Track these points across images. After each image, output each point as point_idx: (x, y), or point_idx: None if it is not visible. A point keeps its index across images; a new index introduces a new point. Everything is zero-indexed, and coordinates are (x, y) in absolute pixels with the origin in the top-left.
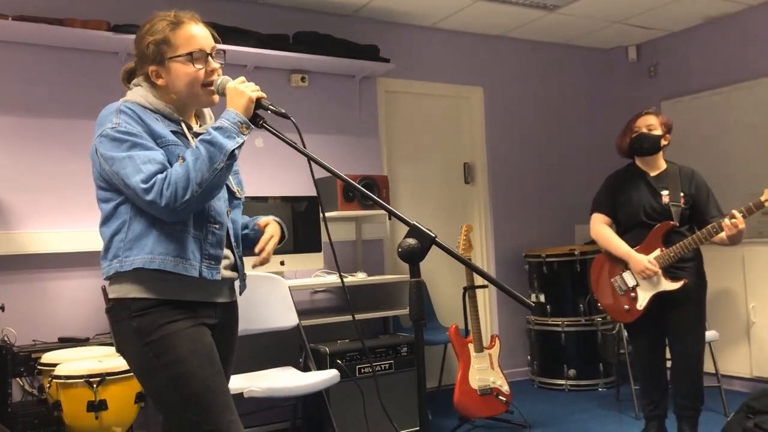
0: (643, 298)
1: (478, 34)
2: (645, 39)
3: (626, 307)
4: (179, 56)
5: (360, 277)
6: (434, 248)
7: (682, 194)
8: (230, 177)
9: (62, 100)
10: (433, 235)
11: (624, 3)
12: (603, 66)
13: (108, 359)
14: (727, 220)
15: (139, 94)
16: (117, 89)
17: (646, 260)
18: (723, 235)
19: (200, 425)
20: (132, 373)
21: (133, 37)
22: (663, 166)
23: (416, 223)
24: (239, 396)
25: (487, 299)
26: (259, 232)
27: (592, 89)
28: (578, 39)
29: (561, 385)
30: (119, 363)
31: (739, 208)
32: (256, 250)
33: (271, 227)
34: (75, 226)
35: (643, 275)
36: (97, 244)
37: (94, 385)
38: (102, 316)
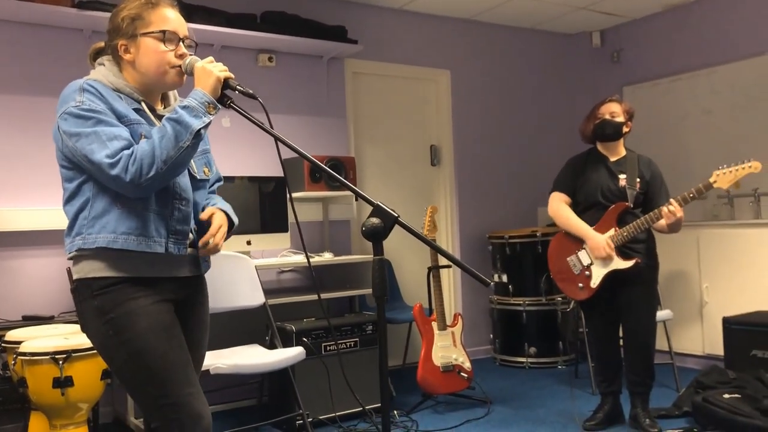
0: (597, 276)
1: (446, 17)
2: (608, 25)
3: (581, 284)
4: (151, 33)
5: (326, 257)
6: (401, 230)
7: (638, 179)
8: (194, 159)
9: (25, 77)
10: (396, 215)
11: None
12: (567, 51)
13: (74, 336)
14: (665, 208)
15: (101, 73)
16: (81, 66)
17: (604, 241)
18: (663, 222)
19: (159, 399)
20: None
21: (97, 13)
22: (623, 152)
23: (380, 203)
24: (205, 373)
25: (451, 279)
26: (202, 224)
27: (557, 74)
28: (544, 24)
29: (522, 362)
30: (85, 340)
31: (689, 190)
32: (200, 243)
33: (218, 217)
34: (38, 204)
35: (597, 254)
36: (61, 223)
37: (60, 362)
38: (67, 295)
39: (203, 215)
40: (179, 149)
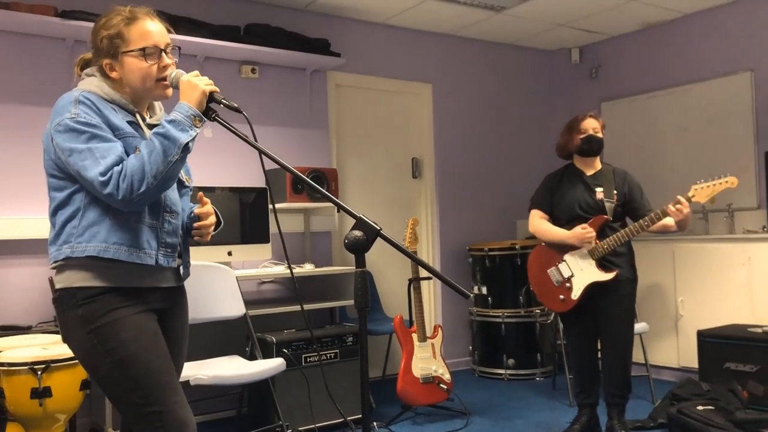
0: (577, 289)
1: (428, 32)
2: (587, 42)
3: (561, 297)
4: (132, 51)
5: (308, 268)
6: (382, 241)
7: (615, 192)
8: None
9: (6, 86)
10: (378, 228)
11: (568, 7)
12: (547, 67)
13: (53, 347)
14: (672, 206)
15: (94, 84)
16: (64, 75)
17: (580, 227)
18: (667, 222)
19: (145, 407)
20: (77, 361)
21: (80, 23)
22: (599, 166)
23: (362, 216)
24: (186, 384)
25: (431, 291)
26: (196, 219)
27: (536, 89)
28: (524, 40)
29: (500, 374)
30: (64, 350)
31: (668, 205)
32: (195, 225)
33: (211, 206)
34: (17, 213)
35: (583, 242)
36: (39, 232)
37: (39, 373)
38: (45, 304)
39: (202, 202)
40: (168, 163)
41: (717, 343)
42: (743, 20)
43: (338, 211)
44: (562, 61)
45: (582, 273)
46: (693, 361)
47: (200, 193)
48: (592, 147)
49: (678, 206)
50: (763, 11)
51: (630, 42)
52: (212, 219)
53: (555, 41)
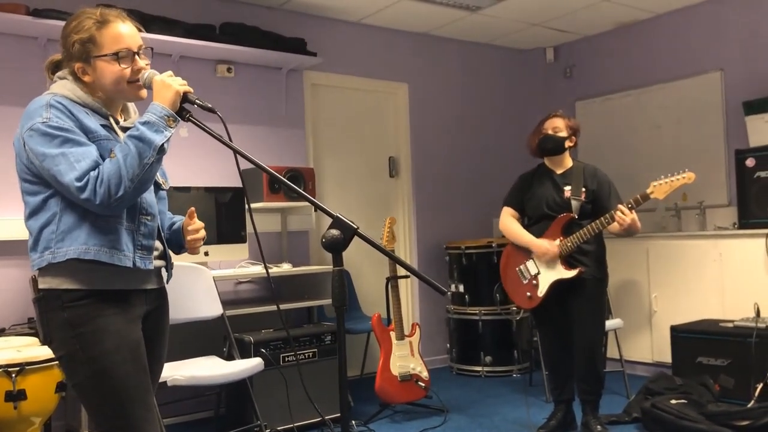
0: (543, 285)
1: (404, 32)
2: (562, 41)
3: (528, 294)
4: (105, 55)
5: (285, 268)
6: (360, 240)
7: (583, 189)
8: None
9: None
10: (355, 227)
11: (542, 7)
12: (522, 66)
13: (27, 349)
14: (618, 214)
15: (66, 87)
16: (36, 74)
17: (546, 242)
18: (617, 226)
19: (114, 419)
20: (52, 363)
21: (52, 22)
22: (569, 164)
23: (339, 215)
24: (163, 385)
25: (409, 289)
26: (177, 232)
27: (511, 88)
28: (499, 39)
29: (478, 371)
30: (39, 352)
31: (628, 200)
32: (189, 239)
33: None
34: None
35: (543, 258)
36: (11, 234)
37: (13, 375)
38: (18, 306)
39: (192, 216)
40: (144, 166)
41: (689, 338)
42: (713, 20)
43: (315, 211)
44: (537, 60)
45: (547, 270)
46: (666, 356)
47: (192, 209)
48: (546, 146)
49: (620, 216)
50: (733, 12)
51: (603, 41)
52: (203, 233)
53: (530, 41)
